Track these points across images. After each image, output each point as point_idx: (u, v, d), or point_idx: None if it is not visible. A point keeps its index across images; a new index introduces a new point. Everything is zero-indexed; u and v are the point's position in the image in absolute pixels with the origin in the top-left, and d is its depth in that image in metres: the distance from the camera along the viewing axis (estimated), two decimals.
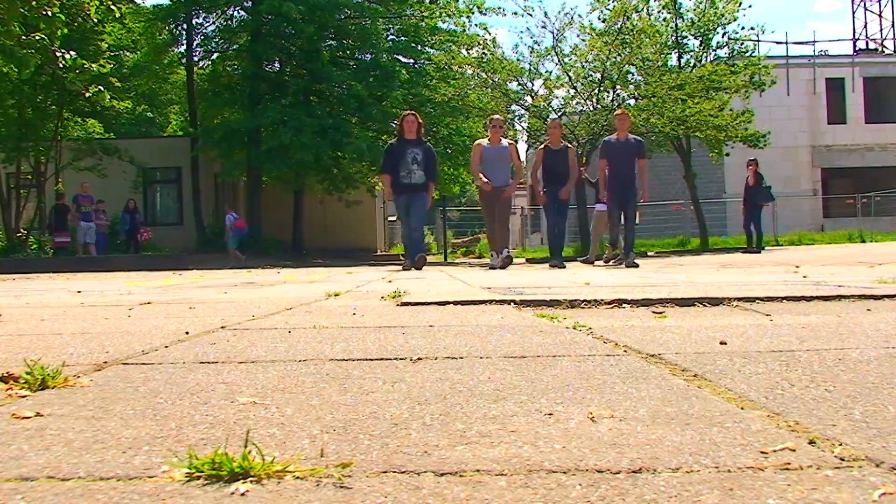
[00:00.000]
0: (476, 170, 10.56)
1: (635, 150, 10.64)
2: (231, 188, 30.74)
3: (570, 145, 11.49)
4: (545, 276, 5.73)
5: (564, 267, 10.02)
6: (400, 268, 10.37)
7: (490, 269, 9.73)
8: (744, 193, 18.11)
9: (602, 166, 10.83)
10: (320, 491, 0.85)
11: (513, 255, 11.27)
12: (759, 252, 16.68)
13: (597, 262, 12.78)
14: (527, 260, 19.47)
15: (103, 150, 23.32)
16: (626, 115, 11.25)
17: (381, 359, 1.79)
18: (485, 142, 10.73)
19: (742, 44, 23.03)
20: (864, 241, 22.43)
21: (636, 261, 10.55)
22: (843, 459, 0.93)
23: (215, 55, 28.26)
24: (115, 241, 21.76)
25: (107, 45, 23.20)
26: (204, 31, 28.31)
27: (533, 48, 23.25)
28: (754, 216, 17.76)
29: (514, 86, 22.89)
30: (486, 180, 10.17)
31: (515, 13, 29.89)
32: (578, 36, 23.24)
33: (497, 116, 11.34)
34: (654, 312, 2.75)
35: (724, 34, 23.02)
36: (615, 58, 22.08)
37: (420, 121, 10.57)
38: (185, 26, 27.78)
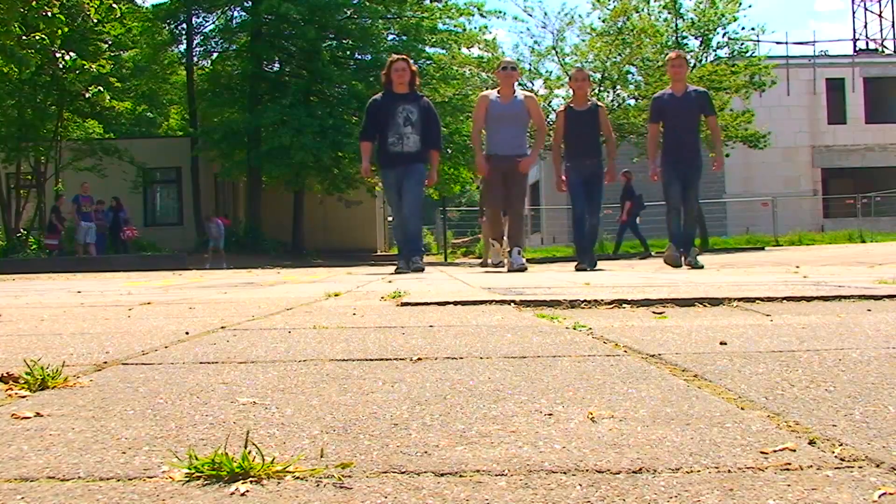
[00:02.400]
0: (477, 136, 8.05)
1: (700, 106, 7.96)
2: (231, 188, 30.75)
3: (600, 103, 8.53)
4: (545, 277, 5.73)
5: (595, 267, 8.01)
6: (394, 270, 8.20)
7: (490, 267, 7.80)
8: (625, 202, 19.23)
9: (653, 132, 8.27)
10: (320, 491, 0.85)
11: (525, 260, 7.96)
12: (649, 255, 18.02)
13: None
14: (526, 260, 19.36)
15: (103, 150, 23.34)
16: (682, 60, 8.32)
17: (381, 359, 1.79)
18: (492, 94, 7.91)
19: (742, 44, 23.04)
20: (864, 242, 22.43)
21: (698, 258, 7.90)
22: (843, 459, 0.93)
23: (215, 55, 28.28)
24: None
25: (107, 45, 23.19)
26: (204, 30, 28.35)
27: (533, 48, 23.27)
28: (633, 224, 19.34)
29: None
30: (482, 159, 7.74)
31: (516, 17, 29.93)
32: (578, 36, 23.26)
33: (509, 59, 8.69)
34: (654, 312, 2.75)
35: (724, 34, 23.05)
36: (615, 58, 22.10)
37: (413, 68, 7.88)
38: (184, 26, 27.79)
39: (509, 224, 8.16)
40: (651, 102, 8.55)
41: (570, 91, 8.78)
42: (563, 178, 8.27)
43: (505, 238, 8.47)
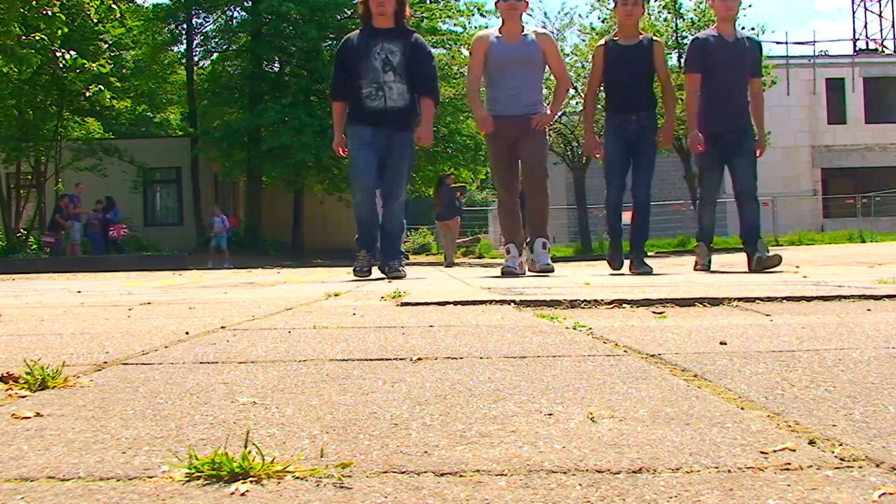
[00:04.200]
0: (474, 88, 5.96)
1: (751, 60, 6.07)
2: (231, 188, 30.74)
3: (656, 38, 6.39)
4: (545, 277, 5.73)
5: (650, 270, 5.89)
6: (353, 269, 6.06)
7: (505, 274, 5.70)
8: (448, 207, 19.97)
9: (695, 85, 6.03)
10: (320, 491, 0.85)
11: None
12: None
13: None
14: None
15: (103, 150, 23.36)
16: None
17: (381, 359, 1.79)
18: (492, 33, 5.92)
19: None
20: (864, 242, 22.42)
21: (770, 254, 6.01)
22: (843, 459, 0.93)
23: (215, 55, 28.28)
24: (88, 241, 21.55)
25: (107, 45, 23.20)
26: (204, 30, 28.36)
27: None
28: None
29: None
30: (484, 113, 5.84)
31: None
32: (578, 36, 23.25)
33: None
34: (654, 312, 2.75)
35: None
36: None
37: None
38: (185, 26, 27.82)
39: (530, 206, 6.05)
40: (691, 45, 6.35)
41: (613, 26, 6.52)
42: (594, 143, 6.46)
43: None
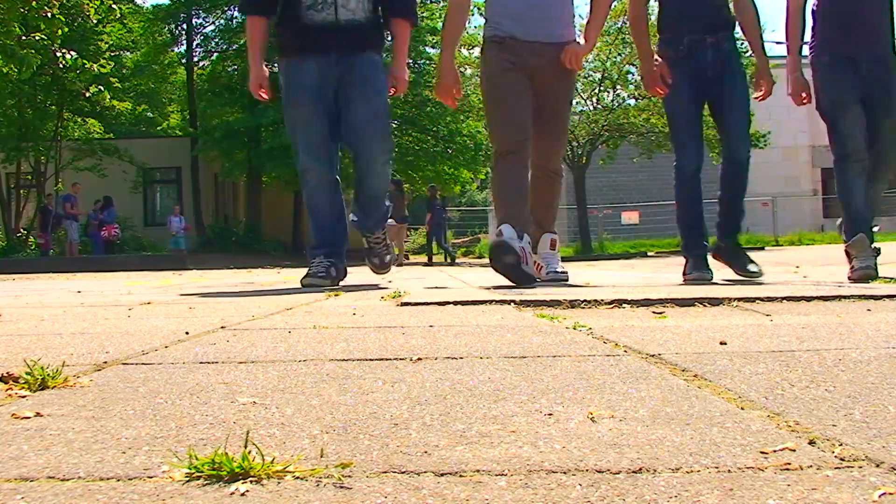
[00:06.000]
0: (456, 13, 4.28)
1: None
2: (231, 188, 30.76)
3: None
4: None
5: (760, 272, 4.36)
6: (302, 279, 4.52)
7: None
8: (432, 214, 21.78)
9: (795, 8, 4.45)
10: (320, 491, 0.85)
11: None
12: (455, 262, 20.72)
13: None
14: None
15: (103, 150, 23.39)
16: None
17: (381, 359, 1.79)
18: None
19: (742, 43, 23.02)
20: None
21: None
22: (843, 459, 0.93)
23: (215, 55, 28.29)
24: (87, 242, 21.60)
25: (107, 45, 23.22)
26: (204, 31, 28.36)
27: None
28: (438, 234, 21.86)
29: None
30: (450, 59, 4.26)
31: None
32: (578, 36, 23.23)
33: None
34: (654, 312, 2.75)
35: None
36: (615, 58, 22.09)
37: None
38: (185, 26, 27.84)
39: (537, 189, 4.27)
40: None
41: None
42: (655, 73, 4.39)
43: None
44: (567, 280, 4.40)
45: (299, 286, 4.59)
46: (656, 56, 4.50)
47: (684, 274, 4.44)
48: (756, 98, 4.57)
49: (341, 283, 4.47)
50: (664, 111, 4.60)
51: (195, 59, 28.54)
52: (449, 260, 21.51)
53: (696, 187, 4.40)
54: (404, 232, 19.14)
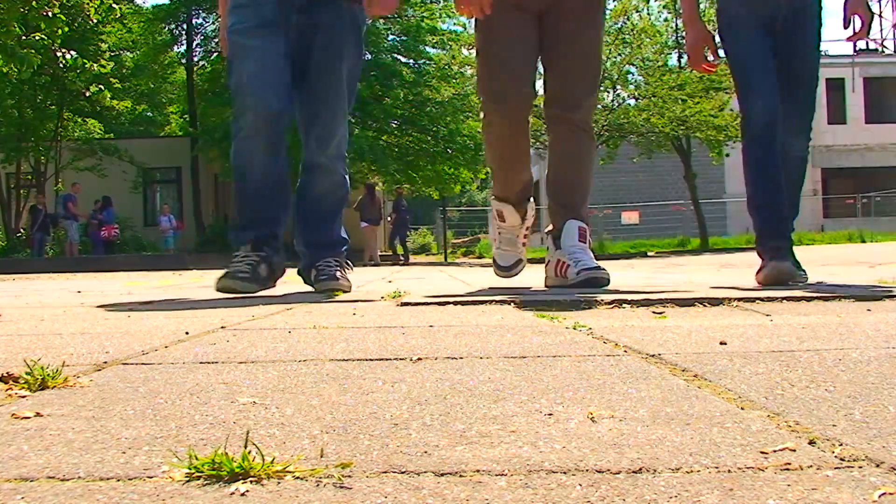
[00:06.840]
0: None
1: None
2: (231, 188, 30.75)
3: None
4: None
5: (805, 275, 3.68)
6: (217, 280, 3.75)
7: (503, 272, 3.97)
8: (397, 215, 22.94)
9: None
10: (320, 491, 0.85)
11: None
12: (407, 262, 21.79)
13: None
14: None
15: (103, 150, 23.41)
16: None
17: (381, 359, 1.79)
18: None
19: None
20: (864, 242, 22.44)
21: None
22: (843, 459, 0.93)
23: (215, 55, 28.29)
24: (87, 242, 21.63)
25: (107, 45, 23.22)
26: (204, 31, 28.35)
27: None
28: (402, 234, 23.15)
29: None
30: None
31: None
32: None
33: None
34: (654, 312, 2.75)
35: None
36: (615, 58, 22.11)
37: None
38: (185, 26, 27.83)
39: (559, 166, 3.53)
40: None
41: None
42: (699, 47, 3.82)
43: (529, 212, 3.78)
44: (607, 280, 3.42)
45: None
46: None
47: (757, 273, 3.54)
48: (849, 40, 3.75)
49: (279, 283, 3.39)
50: (728, 58, 3.80)
51: (195, 59, 28.55)
52: (403, 260, 22.68)
53: (772, 148, 3.44)
54: (377, 233, 19.68)
